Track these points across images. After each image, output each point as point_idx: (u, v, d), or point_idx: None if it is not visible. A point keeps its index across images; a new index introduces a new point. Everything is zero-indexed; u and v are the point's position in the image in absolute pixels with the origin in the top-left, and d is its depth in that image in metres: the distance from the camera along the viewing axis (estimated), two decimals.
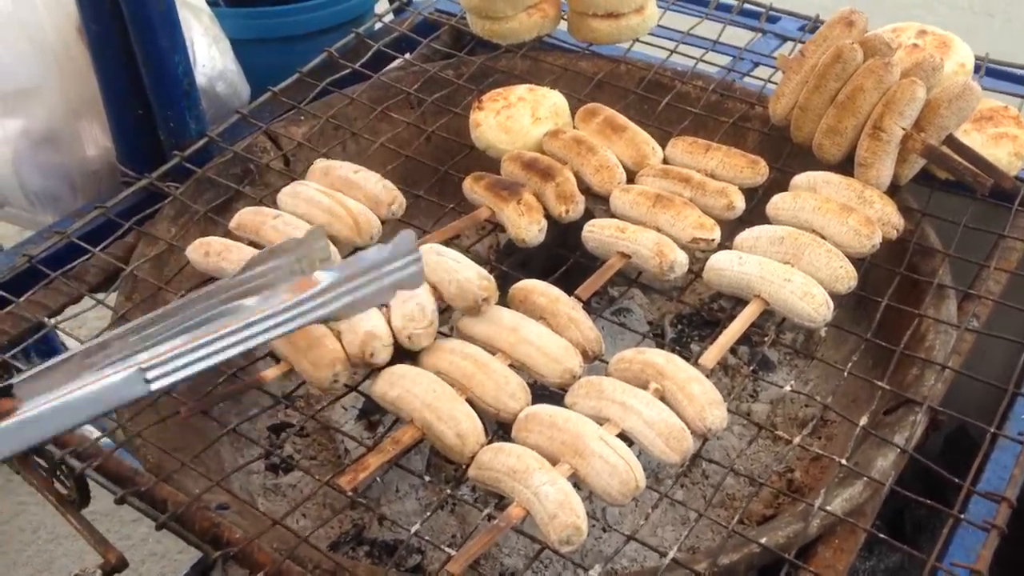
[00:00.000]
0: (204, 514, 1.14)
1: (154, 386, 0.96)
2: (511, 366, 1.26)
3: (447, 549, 1.09)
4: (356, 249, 1.47)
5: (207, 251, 1.40)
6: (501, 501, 1.20)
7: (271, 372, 1.25)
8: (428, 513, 1.17)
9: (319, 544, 1.42)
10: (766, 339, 1.38)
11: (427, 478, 1.24)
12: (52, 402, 0.92)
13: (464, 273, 1.32)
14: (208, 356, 1.00)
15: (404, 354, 1.35)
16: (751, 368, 1.37)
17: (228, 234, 1.47)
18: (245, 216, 1.46)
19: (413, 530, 1.13)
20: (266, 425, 1.58)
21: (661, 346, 1.69)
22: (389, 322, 1.27)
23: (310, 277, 1.07)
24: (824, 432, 1.57)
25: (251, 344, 1.02)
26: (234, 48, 1.96)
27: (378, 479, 1.24)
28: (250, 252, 1.39)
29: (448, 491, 1.20)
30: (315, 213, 1.47)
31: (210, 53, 1.86)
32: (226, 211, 1.59)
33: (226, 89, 1.89)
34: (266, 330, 1.03)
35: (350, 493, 1.15)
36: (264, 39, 2.14)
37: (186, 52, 1.66)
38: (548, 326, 1.30)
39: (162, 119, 1.69)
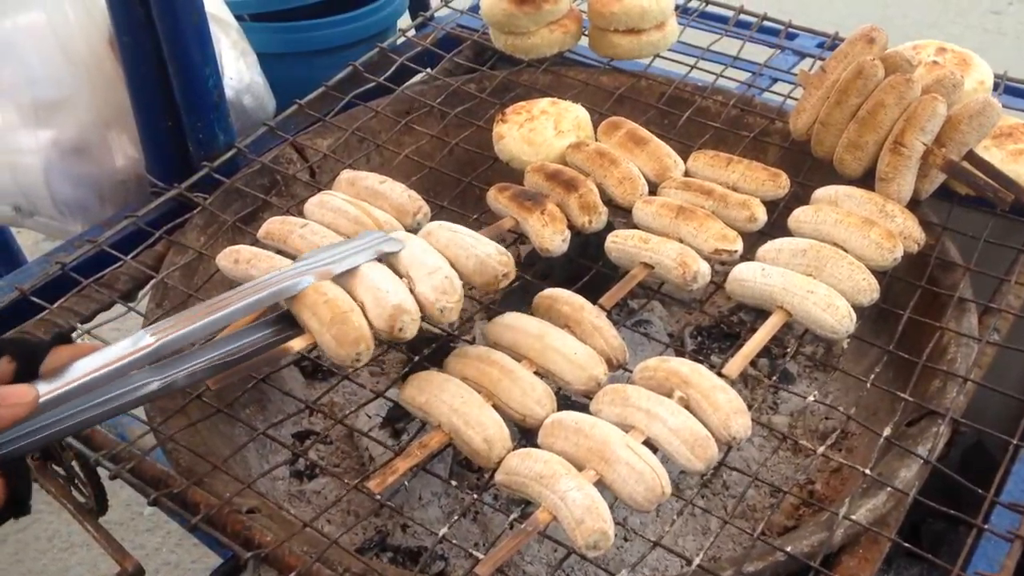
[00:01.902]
0: (235, 517, 1.16)
1: (152, 338, 1.04)
2: (537, 373, 1.27)
3: (476, 553, 1.11)
4: None
5: (237, 259, 1.42)
6: (526, 508, 1.22)
7: (297, 343, 1.20)
8: (455, 518, 1.18)
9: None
10: (787, 351, 1.39)
11: (453, 482, 1.25)
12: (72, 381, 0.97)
13: (483, 248, 1.30)
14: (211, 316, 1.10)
15: (430, 360, 1.36)
16: (773, 379, 1.38)
17: (256, 243, 1.49)
18: (273, 225, 1.48)
19: (441, 534, 1.14)
20: (290, 432, 1.59)
21: (681, 356, 1.71)
22: (413, 295, 1.25)
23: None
24: (845, 444, 1.58)
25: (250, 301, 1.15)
26: (260, 62, 1.99)
27: (404, 485, 1.25)
28: (279, 260, 1.41)
29: (475, 496, 1.21)
30: (341, 223, 1.48)
31: (237, 66, 1.89)
32: (254, 221, 1.62)
33: (253, 102, 1.92)
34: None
35: (378, 496, 1.16)
36: (290, 53, 2.18)
37: (216, 65, 1.69)
38: (572, 334, 1.31)
39: (191, 130, 1.71)
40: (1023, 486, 1.25)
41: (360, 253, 1.25)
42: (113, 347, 1.02)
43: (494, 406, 1.22)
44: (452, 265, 1.30)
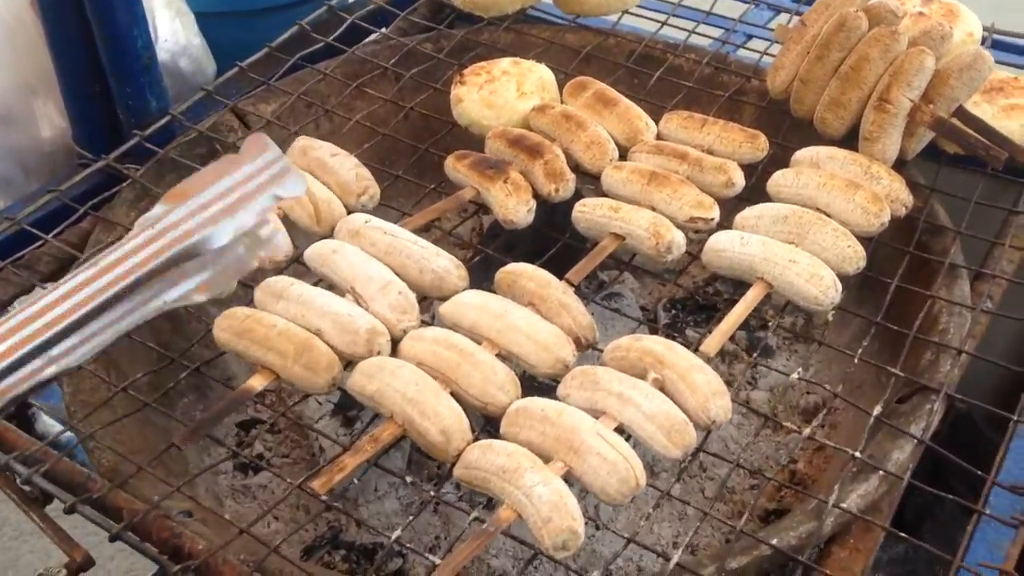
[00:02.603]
0: (164, 523, 1.05)
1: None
2: (499, 356, 1.17)
3: (431, 557, 1.00)
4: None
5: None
6: (490, 501, 1.11)
7: (256, 382, 1.14)
8: (411, 517, 1.07)
9: (292, 549, 1.33)
10: (769, 324, 1.30)
11: (408, 478, 1.14)
12: None
13: (439, 263, 1.26)
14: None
15: None
16: (755, 355, 1.28)
17: None
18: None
19: (394, 536, 1.04)
20: (235, 422, 1.48)
21: (655, 332, 1.61)
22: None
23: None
24: (828, 420, 1.49)
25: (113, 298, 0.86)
26: (199, 22, 1.86)
27: (355, 479, 1.14)
28: None
29: (431, 492, 1.10)
30: None
31: (172, 27, 1.75)
32: None
33: (190, 65, 1.78)
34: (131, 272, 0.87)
35: (324, 497, 1.05)
36: (230, 12, 2.04)
37: (146, 25, 1.55)
38: (537, 312, 1.21)
39: (121, 96, 1.59)
40: (1018, 466, 1.17)
41: (260, 195, 0.96)
42: None
43: (452, 393, 1.12)
44: (399, 275, 1.24)
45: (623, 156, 1.49)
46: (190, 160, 1.54)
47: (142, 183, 1.49)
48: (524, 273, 1.26)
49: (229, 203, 0.93)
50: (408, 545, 1.04)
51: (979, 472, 1.08)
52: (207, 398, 1.43)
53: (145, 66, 1.56)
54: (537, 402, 1.10)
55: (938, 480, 1.09)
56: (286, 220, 1.35)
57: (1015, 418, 1.14)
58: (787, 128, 1.54)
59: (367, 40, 1.84)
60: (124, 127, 1.60)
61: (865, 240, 1.31)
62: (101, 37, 1.52)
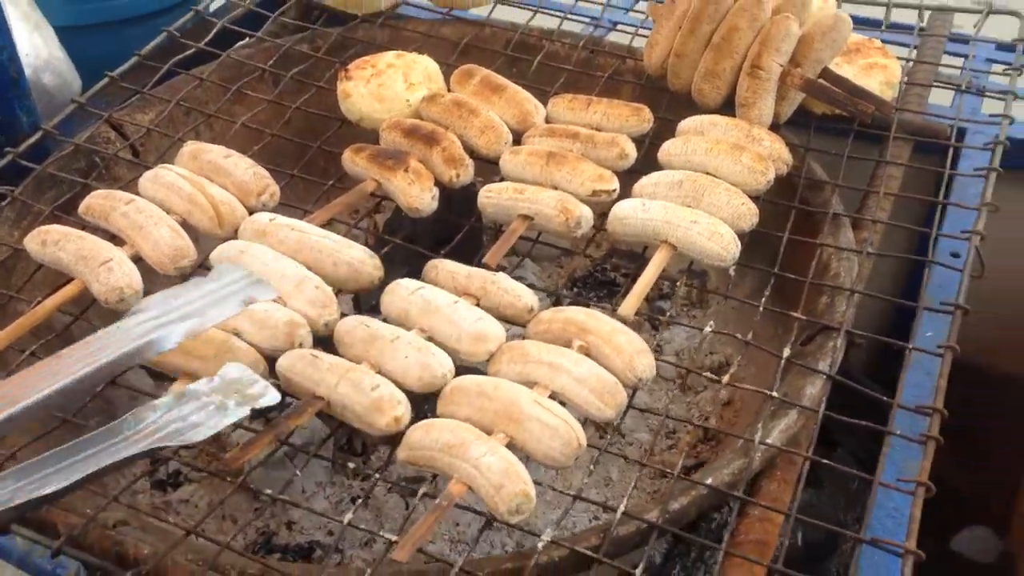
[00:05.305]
0: (103, 532, 1.00)
1: None
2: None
3: (387, 535, 1.00)
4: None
5: (44, 240, 1.25)
6: (433, 481, 1.12)
7: (176, 388, 1.08)
8: (354, 507, 1.06)
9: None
10: (677, 285, 1.35)
11: (351, 464, 1.13)
12: None
13: (352, 253, 1.26)
14: None
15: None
16: (668, 315, 1.33)
17: (85, 228, 1.31)
18: (95, 200, 1.32)
19: (346, 520, 1.03)
20: None
21: None
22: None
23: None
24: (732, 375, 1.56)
25: None
26: (60, 37, 1.77)
27: (296, 476, 1.13)
28: (91, 241, 1.24)
29: (377, 476, 1.10)
30: (174, 201, 1.34)
31: (32, 41, 1.67)
32: (74, 209, 1.42)
33: (55, 80, 1.70)
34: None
35: (229, 479, 1.03)
36: (93, 25, 1.95)
37: (10, 36, 1.47)
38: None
39: None
40: (917, 390, 1.26)
41: (227, 300, 1.08)
42: None
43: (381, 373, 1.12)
44: (312, 270, 1.23)
45: (516, 141, 1.52)
46: (70, 174, 1.47)
47: (23, 200, 1.41)
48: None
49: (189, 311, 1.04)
50: (361, 527, 1.03)
51: (885, 399, 1.16)
52: (116, 417, 1.37)
53: (12, 79, 1.48)
54: (471, 379, 1.12)
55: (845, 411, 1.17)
56: (186, 226, 1.32)
57: (910, 347, 1.23)
58: (667, 103, 1.60)
59: (240, 44, 1.80)
60: None
61: (753, 198, 1.38)
62: None
